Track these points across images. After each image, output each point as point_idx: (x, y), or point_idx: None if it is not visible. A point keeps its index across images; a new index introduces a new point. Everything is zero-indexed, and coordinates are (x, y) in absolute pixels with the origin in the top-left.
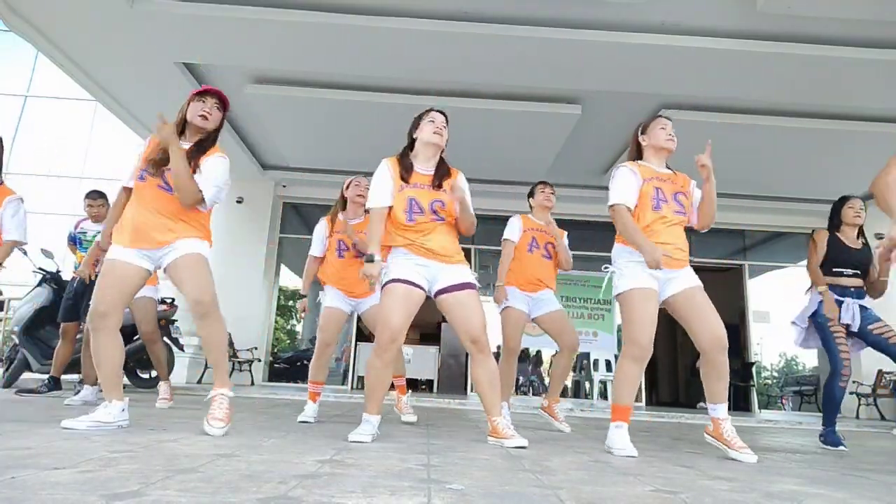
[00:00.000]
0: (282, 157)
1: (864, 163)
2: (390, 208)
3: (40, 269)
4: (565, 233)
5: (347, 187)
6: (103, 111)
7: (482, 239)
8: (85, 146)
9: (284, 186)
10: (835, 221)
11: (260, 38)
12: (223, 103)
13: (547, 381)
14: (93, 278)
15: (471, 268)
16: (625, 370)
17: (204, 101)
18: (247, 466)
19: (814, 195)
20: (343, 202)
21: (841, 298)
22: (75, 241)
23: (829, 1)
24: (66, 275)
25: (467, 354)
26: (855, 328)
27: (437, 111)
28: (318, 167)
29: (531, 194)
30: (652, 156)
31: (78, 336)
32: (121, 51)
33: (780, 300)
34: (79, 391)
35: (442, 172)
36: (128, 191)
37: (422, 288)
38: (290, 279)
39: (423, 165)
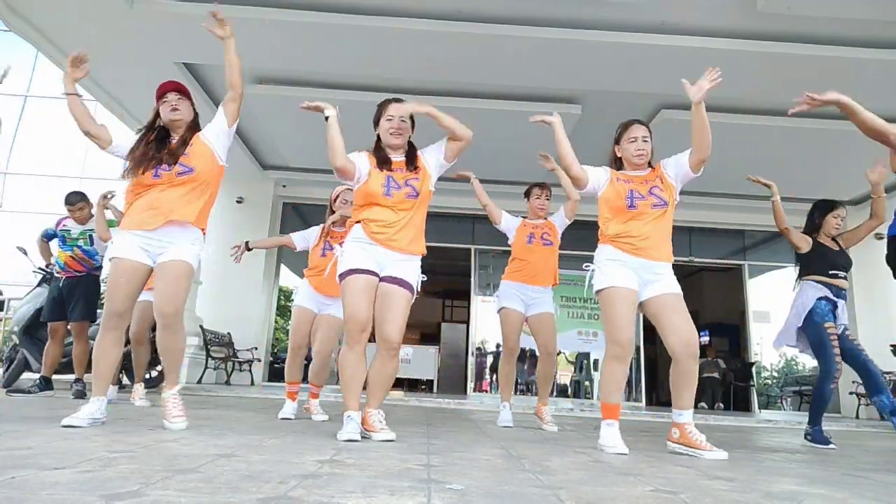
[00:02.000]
0: (282, 157)
1: (864, 163)
2: (367, 185)
3: (40, 269)
4: (551, 216)
5: (335, 200)
6: (103, 111)
7: (482, 239)
8: (85, 146)
9: (284, 186)
10: (816, 224)
11: (260, 38)
12: (183, 92)
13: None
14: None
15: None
16: (608, 369)
17: (166, 99)
18: (247, 466)
19: (814, 195)
20: (339, 217)
21: (836, 300)
22: (55, 237)
23: (829, 1)
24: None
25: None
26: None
27: (395, 101)
28: (318, 167)
29: (527, 195)
30: (628, 167)
31: (70, 339)
32: (121, 51)
33: (780, 300)
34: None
35: (412, 156)
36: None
37: (376, 274)
38: (290, 279)
39: (395, 154)
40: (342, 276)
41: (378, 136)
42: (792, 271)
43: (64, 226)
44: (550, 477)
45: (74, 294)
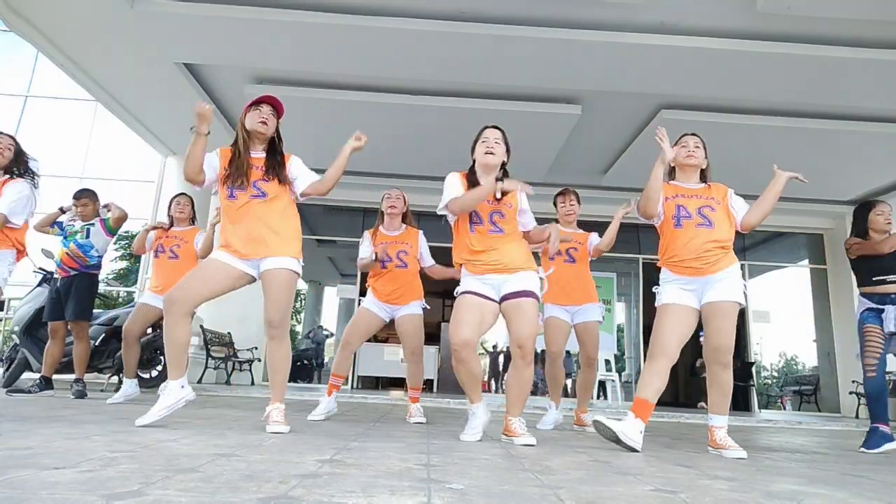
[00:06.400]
0: None
1: (863, 163)
2: (458, 223)
3: (40, 269)
4: (591, 234)
5: (382, 200)
6: (103, 111)
7: None
8: (85, 146)
9: None
10: (861, 228)
11: (260, 38)
12: (277, 110)
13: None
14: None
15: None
16: (645, 364)
17: (260, 110)
18: (247, 466)
19: (813, 195)
20: (382, 216)
21: (881, 307)
22: (60, 227)
23: (829, 1)
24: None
25: None
26: None
27: (492, 127)
28: (318, 167)
29: (555, 204)
30: (680, 173)
31: (69, 338)
32: (121, 51)
33: (780, 300)
34: (118, 388)
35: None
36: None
37: (491, 299)
38: None
39: (485, 180)
40: (457, 297)
41: (473, 164)
42: (792, 271)
43: (71, 222)
44: (550, 476)
45: (70, 292)
